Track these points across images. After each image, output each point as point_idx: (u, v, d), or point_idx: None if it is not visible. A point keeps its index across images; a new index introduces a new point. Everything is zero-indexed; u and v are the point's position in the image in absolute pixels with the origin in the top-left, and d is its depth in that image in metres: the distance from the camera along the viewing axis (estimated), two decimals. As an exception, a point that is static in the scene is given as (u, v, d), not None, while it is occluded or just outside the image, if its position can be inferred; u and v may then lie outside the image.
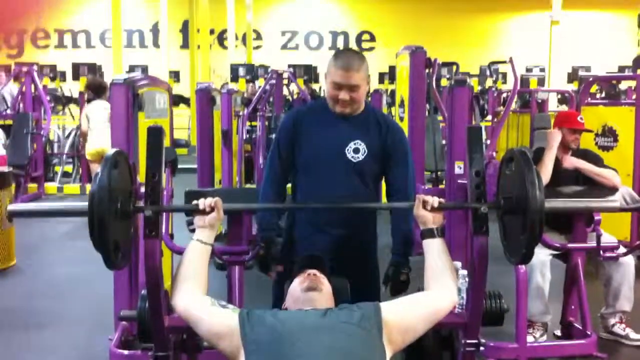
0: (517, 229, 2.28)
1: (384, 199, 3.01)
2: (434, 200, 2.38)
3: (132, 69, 13.77)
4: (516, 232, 2.29)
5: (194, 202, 2.37)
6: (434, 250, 2.37)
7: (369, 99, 9.93)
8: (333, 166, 2.78)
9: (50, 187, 10.13)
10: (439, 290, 2.31)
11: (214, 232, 2.39)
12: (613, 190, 4.10)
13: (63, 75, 12.81)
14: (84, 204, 2.16)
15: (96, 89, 8.60)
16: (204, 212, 2.34)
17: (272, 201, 2.90)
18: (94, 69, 11.05)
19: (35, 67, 10.43)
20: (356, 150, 2.78)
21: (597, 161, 4.31)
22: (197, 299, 2.26)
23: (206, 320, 2.21)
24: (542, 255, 3.93)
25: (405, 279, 2.83)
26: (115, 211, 2.18)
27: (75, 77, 10.94)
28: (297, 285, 2.38)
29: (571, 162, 4.22)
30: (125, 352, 3.71)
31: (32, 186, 9.80)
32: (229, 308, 2.26)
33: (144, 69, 13.75)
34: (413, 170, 2.96)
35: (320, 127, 2.82)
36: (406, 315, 2.24)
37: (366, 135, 2.80)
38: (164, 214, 3.50)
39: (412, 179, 2.94)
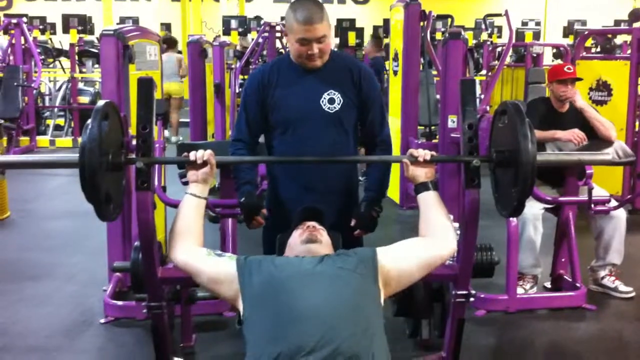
0: (509, 182, 2.28)
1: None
2: (426, 154, 2.38)
3: (122, 20, 13.56)
4: (508, 185, 2.29)
5: (186, 154, 2.37)
6: (429, 202, 2.38)
7: (363, 52, 9.84)
8: (310, 120, 2.72)
9: (42, 140, 10.09)
10: (437, 238, 2.32)
11: (207, 186, 2.39)
12: (608, 144, 4.09)
13: (53, 28, 12.62)
14: (74, 156, 2.15)
15: (169, 43, 10.12)
16: (195, 164, 2.34)
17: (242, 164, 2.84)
18: (84, 21, 10.89)
19: (24, 19, 10.28)
20: (331, 101, 2.72)
21: None
22: (193, 251, 2.28)
23: (204, 270, 2.24)
24: (535, 209, 3.95)
25: (375, 217, 2.81)
26: (107, 163, 2.18)
27: (66, 29, 10.78)
28: (296, 238, 2.40)
29: (579, 102, 4.15)
30: (119, 302, 3.76)
31: (24, 139, 9.76)
32: (225, 256, 2.29)
33: (135, 21, 13.55)
34: (386, 110, 2.93)
35: (289, 83, 2.75)
36: (403, 261, 2.26)
37: (339, 84, 2.74)
38: (156, 166, 3.52)
39: (386, 119, 2.92)
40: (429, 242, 2.32)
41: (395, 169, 6.64)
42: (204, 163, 2.34)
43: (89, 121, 2.14)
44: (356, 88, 2.77)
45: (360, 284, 2.15)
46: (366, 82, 2.79)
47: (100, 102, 2.23)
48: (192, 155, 2.34)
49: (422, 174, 2.38)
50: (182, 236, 2.30)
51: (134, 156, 2.29)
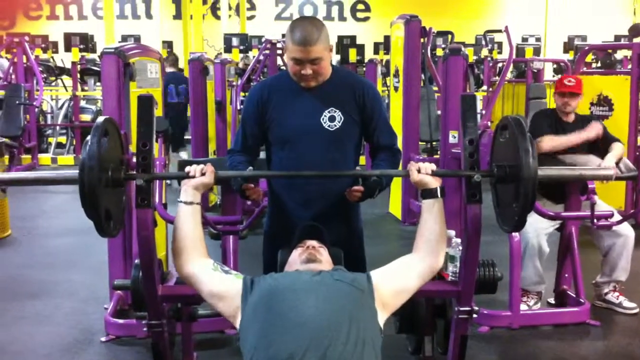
0: (510, 197, 2.28)
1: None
2: (427, 167, 2.37)
3: (124, 39, 13.63)
4: (509, 200, 2.29)
5: (186, 168, 2.36)
6: (433, 212, 2.35)
7: (364, 68, 9.88)
8: (310, 138, 2.71)
9: (44, 158, 10.11)
10: (429, 254, 2.31)
11: (198, 192, 2.35)
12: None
13: (55, 46, 12.69)
14: (74, 172, 2.16)
15: None
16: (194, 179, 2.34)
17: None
18: (86, 40, 10.94)
19: (26, 38, 10.33)
20: (332, 119, 2.71)
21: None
22: (199, 263, 2.27)
23: (208, 284, 2.24)
24: (541, 227, 3.93)
25: (376, 193, 2.76)
26: (106, 179, 2.17)
27: (67, 48, 10.83)
28: (296, 257, 2.39)
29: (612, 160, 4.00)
30: (120, 321, 3.74)
31: (26, 157, 9.78)
32: (231, 274, 2.27)
33: (137, 39, 13.62)
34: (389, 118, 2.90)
35: (290, 100, 2.74)
36: (396, 280, 2.27)
37: (340, 102, 2.73)
38: (157, 183, 3.51)
39: (393, 131, 2.91)
40: (418, 258, 2.32)
41: (397, 187, 6.66)
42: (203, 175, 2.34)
43: (89, 137, 2.14)
44: (359, 106, 2.76)
45: (357, 296, 2.15)
46: (370, 100, 2.78)
47: (100, 119, 2.23)
48: (192, 171, 2.34)
49: (430, 180, 2.36)
50: (185, 247, 2.28)
51: (134, 172, 2.29)
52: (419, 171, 2.36)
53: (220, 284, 2.22)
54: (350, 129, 2.75)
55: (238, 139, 2.85)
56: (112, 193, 2.24)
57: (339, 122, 2.72)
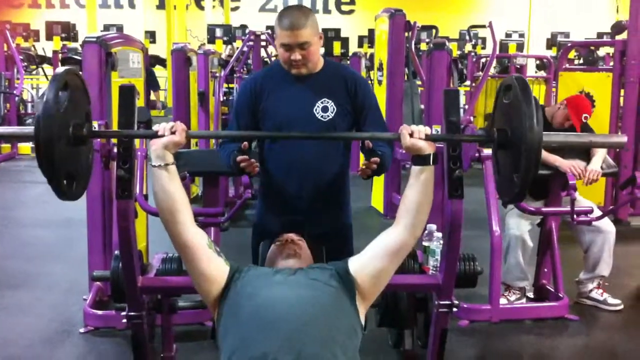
0: (510, 166, 2.14)
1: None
2: (420, 131, 2.20)
3: (106, 28, 13.51)
4: (509, 169, 2.15)
5: (155, 126, 2.21)
6: (420, 179, 2.21)
7: (348, 61, 9.87)
8: (303, 128, 2.69)
9: (24, 147, 9.99)
10: (408, 229, 2.21)
11: (169, 152, 2.17)
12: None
13: (36, 35, 12.56)
14: (31, 128, 1.95)
15: None
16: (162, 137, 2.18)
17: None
18: (68, 28, 10.84)
19: (7, 26, 10.23)
20: (325, 109, 2.71)
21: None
22: (195, 234, 2.17)
23: (203, 260, 2.16)
24: (523, 224, 3.95)
25: (377, 171, 2.70)
26: (67, 136, 2.01)
27: (49, 36, 10.73)
28: (276, 251, 2.38)
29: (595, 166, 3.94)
30: (99, 312, 3.72)
31: (5, 146, 9.66)
32: (222, 257, 2.22)
33: (119, 29, 13.50)
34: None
35: (282, 91, 2.74)
36: (374, 262, 2.20)
37: (333, 93, 2.74)
38: (138, 174, 3.48)
39: (386, 125, 2.90)
40: (398, 232, 2.21)
41: (379, 180, 6.67)
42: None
43: (46, 89, 1.97)
44: (351, 97, 2.76)
45: (333, 296, 2.12)
46: (362, 90, 2.79)
47: (60, 69, 2.08)
48: (161, 130, 2.16)
49: (424, 145, 2.19)
50: (177, 212, 2.14)
51: (99, 129, 2.19)
52: (411, 135, 2.19)
53: (212, 266, 2.17)
54: (342, 119, 2.75)
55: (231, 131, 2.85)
56: (75, 152, 2.08)
57: (332, 112, 2.72)
